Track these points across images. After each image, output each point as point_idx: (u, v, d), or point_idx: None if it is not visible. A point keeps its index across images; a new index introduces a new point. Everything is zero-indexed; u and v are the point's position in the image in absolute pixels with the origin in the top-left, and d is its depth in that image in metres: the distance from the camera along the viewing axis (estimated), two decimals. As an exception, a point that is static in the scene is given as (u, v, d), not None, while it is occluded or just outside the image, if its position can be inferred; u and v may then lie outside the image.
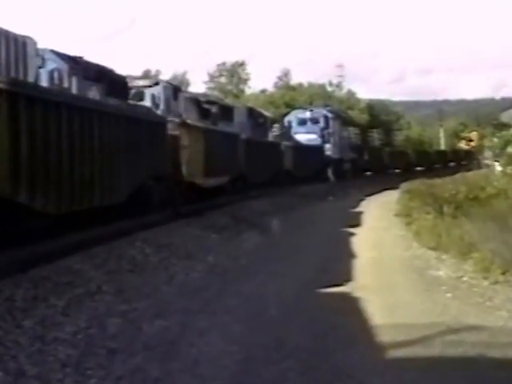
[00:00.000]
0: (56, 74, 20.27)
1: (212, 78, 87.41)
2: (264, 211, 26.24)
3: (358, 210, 30.65)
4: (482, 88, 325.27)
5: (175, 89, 30.46)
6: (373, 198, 39.05)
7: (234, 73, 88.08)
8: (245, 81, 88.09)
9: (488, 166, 78.51)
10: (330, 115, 47.68)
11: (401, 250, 17.18)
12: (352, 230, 22.03)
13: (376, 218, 26.44)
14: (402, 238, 19.35)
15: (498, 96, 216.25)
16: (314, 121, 46.64)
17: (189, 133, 20.00)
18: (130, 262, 13.00)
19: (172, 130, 19.10)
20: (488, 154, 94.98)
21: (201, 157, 21.19)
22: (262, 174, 31.36)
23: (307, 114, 47.07)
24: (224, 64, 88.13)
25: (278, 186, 34.81)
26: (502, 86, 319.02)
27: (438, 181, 43.80)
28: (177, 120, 19.78)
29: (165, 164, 18.37)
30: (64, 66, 20.61)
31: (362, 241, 19.03)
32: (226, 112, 35.08)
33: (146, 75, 29.28)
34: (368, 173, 57.19)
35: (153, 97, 26.54)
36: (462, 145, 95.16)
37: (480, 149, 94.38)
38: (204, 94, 35.12)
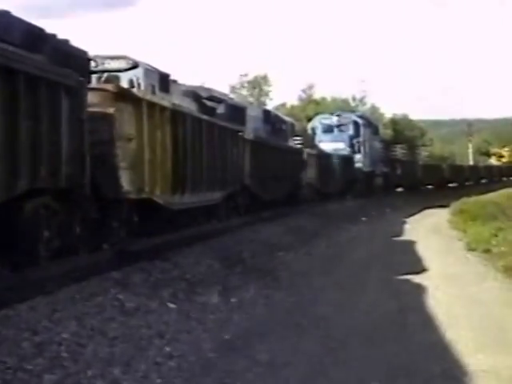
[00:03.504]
0: None
1: (233, 89, 78.00)
2: (276, 242, 16.63)
3: (405, 237, 20.86)
4: (500, 108, 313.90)
5: (163, 76, 21.06)
6: (416, 219, 29.13)
7: (256, 85, 78.84)
8: (266, 93, 78.68)
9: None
10: (360, 121, 37.79)
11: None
12: (415, 279, 12.43)
13: (440, 252, 16.69)
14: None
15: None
16: (342, 127, 36.80)
17: (136, 112, 10.42)
18: None
19: (100, 103, 9.53)
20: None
21: (165, 157, 11.60)
22: (277, 188, 21.71)
23: (334, 120, 37.18)
24: (246, 75, 78.89)
25: (298, 203, 25.16)
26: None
27: (492, 197, 34.24)
28: (109, 87, 10.04)
29: (79, 168, 8.79)
30: None
31: (450, 313, 9.37)
32: (236, 113, 25.30)
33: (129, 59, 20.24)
34: (399, 189, 47.31)
35: (131, 83, 17.54)
36: (493, 160, 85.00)
37: (511, 165, 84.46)
38: (207, 88, 25.37)
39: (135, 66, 19.21)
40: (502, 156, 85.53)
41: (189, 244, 12.79)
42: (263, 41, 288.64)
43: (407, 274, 13.03)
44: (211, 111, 22.00)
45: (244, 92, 79.00)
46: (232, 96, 78.07)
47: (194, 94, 22.62)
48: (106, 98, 9.62)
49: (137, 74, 18.80)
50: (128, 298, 8.61)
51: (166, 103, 12.52)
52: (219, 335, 8.11)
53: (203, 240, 13.71)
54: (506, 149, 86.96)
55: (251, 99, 78.63)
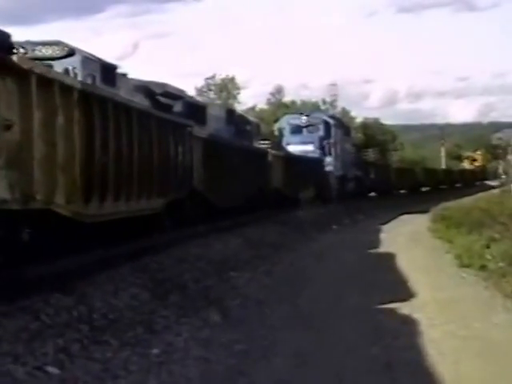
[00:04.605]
0: None
1: (200, 92, 74.92)
2: (231, 259, 13.73)
3: (383, 249, 17.99)
4: (468, 113, 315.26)
5: (107, 67, 18.02)
6: (392, 226, 26.31)
7: (224, 88, 75.83)
8: (234, 96, 75.65)
9: (494, 187, 66.40)
10: (331, 122, 34.93)
11: None
12: (401, 309, 9.59)
13: (428, 270, 13.87)
14: None
15: (485, 120, 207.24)
16: (312, 128, 33.89)
17: (20, 90, 7.37)
18: None
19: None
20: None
21: (72, 154, 8.58)
22: (236, 193, 18.78)
23: (303, 120, 34.24)
24: (213, 78, 75.86)
25: (261, 211, 22.26)
26: (489, 111, 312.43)
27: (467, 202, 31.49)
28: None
29: None
30: None
31: (461, 374, 6.49)
32: (195, 112, 22.21)
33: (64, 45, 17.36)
34: (372, 193, 44.55)
35: (66, 72, 14.61)
36: (466, 164, 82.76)
37: (484, 169, 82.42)
38: (162, 84, 22.25)
39: (71, 53, 16.31)
40: (475, 160, 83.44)
41: (110, 267, 9.77)
42: (231, 43, 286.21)
43: (391, 301, 10.16)
44: (166, 109, 19.06)
45: (211, 95, 76.05)
46: (199, 99, 75.12)
47: (147, 90, 19.57)
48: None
49: (73, 62, 15.88)
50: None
51: (71, 81, 9.48)
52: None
53: (133, 260, 10.70)
54: (479, 152, 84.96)
55: (219, 102, 75.73)
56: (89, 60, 17.05)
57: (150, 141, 11.41)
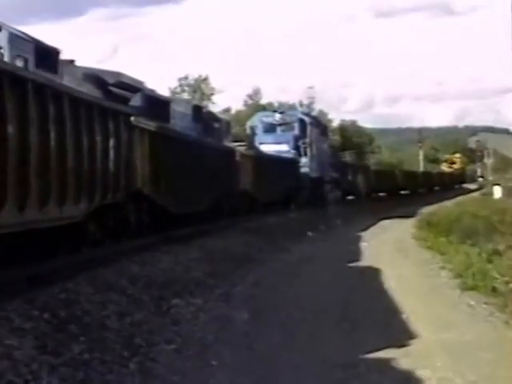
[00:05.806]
0: None
1: (173, 93, 71.80)
2: (178, 280, 10.67)
3: (365, 262, 15.05)
4: (444, 117, 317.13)
5: (45, 50, 14.92)
6: (373, 233, 23.38)
7: (197, 88, 72.82)
8: (208, 96, 72.58)
9: (472, 190, 64.17)
10: (307, 120, 31.89)
11: None
12: (399, 362, 6.71)
13: (423, 293, 10.98)
14: None
15: (461, 124, 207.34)
16: (286, 127, 30.84)
17: None
18: None
19: None
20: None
21: None
22: (195, 197, 15.75)
23: (276, 118, 31.16)
24: (186, 78, 72.83)
25: (227, 217, 19.24)
26: (465, 115, 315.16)
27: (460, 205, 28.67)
28: None
29: None
30: None
31: None
32: (157, 107, 19.13)
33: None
34: (350, 197, 41.64)
35: None
36: (444, 167, 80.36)
37: (462, 172, 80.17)
38: (115, 73, 19.03)
39: (-5, 28, 13.37)
40: (453, 162, 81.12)
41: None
42: (210, 46, 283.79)
43: (384, 347, 7.22)
44: (122, 101, 16.01)
45: (185, 96, 73.03)
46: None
47: (98, 79, 16.53)
48: None
49: (-1, 39, 12.97)
50: None
51: None
52: None
53: (31, 290, 7.64)
54: (458, 155, 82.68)
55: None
56: (19, 39, 13.97)
57: (62, 128, 8.36)
